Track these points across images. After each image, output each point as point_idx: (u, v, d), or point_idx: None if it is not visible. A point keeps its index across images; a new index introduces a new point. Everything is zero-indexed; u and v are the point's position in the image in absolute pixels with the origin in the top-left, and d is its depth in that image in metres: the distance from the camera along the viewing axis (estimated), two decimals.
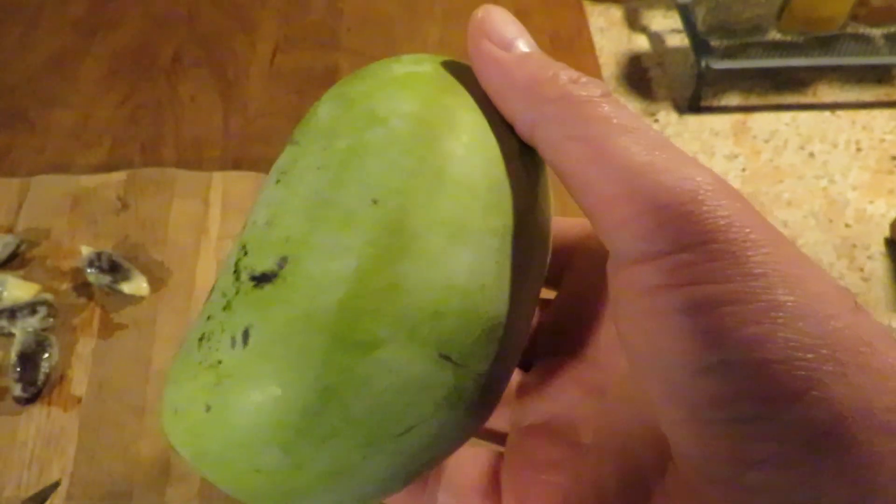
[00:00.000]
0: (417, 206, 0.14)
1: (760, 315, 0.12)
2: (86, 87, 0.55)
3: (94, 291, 0.40)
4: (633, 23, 0.69)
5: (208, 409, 0.13)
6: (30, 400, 0.36)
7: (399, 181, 0.14)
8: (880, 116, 0.76)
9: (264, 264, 0.14)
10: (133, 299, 0.39)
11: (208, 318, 0.14)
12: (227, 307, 0.14)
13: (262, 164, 0.50)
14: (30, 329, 0.37)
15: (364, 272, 0.13)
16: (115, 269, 0.39)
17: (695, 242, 0.12)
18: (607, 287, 0.14)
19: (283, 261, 0.13)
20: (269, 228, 0.14)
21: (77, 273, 0.40)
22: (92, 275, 0.39)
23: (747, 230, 0.12)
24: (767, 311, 0.12)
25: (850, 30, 0.74)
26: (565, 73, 0.14)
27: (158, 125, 0.53)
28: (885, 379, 0.12)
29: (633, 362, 0.14)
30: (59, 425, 0.35)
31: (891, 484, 0.11)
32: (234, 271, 0.14)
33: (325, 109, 0.15)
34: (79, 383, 0.37)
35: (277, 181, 0.15)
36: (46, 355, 0.37)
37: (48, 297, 0.39)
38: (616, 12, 0.68)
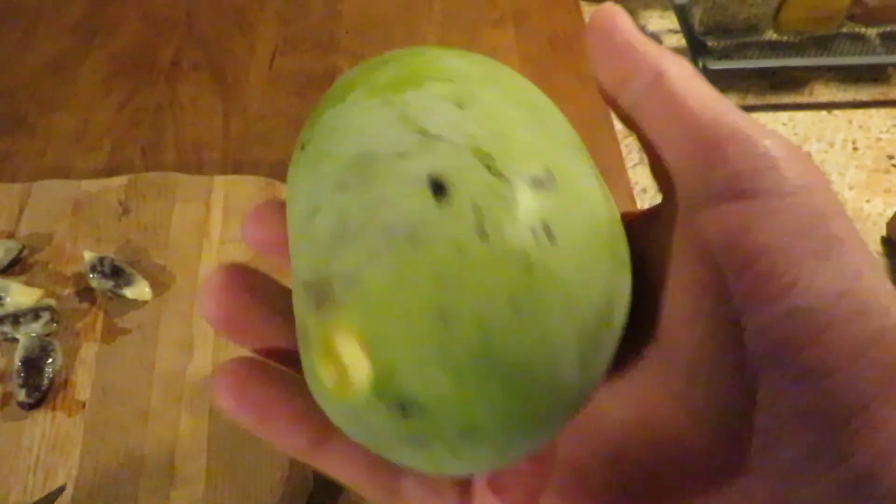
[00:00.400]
0: (568, 155, 0.15)
1: (837, 275, 0.13)
2: (85, 91, 0.55)
3: (97, 296, 0.40)
4: None
5: (517, 309, 0.12)
6: (34, 405, 0.36)
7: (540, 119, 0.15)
8: (877, 115, 0.76)
9: (534, 170, 0.13)
10: (136, 304, 0.40)
11: (477, 208, 0.12)
12: (508, 202, 0.13)
13: (262, 167, 0.50)
14: (33, 334, 0.38)
15: (608, 197, 0.14)
16: (117, 274, 0.39)
17: (786, 192, 0.13)
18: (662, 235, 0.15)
19: (549, 173, 0.13)
20: (507, 142, 0.13)
21: (79, 278, 0.41)
22: (94, 280, 0.39)
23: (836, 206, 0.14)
24: (842, 272, 0.13)
25: (846, 29, 0.74)
26: None
27: (158, 128, 0.53)
28: None
29: (693, 306, 0.14)
30: (64, 430, 0.36)
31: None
32: (492, 171, 0.13)
33: (454, 61, 0.15)
34: (83, 388, 0.37)
35: (458, 104, 0.14)
36: (50, 360, 0.37)
37: (51, 302, 0.39)
38: None
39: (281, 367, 0.16)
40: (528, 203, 0.13)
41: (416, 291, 0.12)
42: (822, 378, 0.13)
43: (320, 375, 0.13)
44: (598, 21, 0.16)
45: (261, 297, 0.16)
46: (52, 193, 0.45)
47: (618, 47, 0.16)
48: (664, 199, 0.16)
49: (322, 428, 0.16)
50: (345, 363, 0.12)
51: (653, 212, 0.17)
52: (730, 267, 0.13)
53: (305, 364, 0.14)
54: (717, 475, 0.14)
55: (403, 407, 0.12)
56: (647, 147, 0.16)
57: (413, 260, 0.12)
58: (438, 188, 0.12)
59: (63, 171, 0.49)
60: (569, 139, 0.15)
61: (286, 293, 0.16)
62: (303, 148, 0.15)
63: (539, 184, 0.13)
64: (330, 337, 0.13)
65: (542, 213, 0.13)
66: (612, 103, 0.16)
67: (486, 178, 0.13)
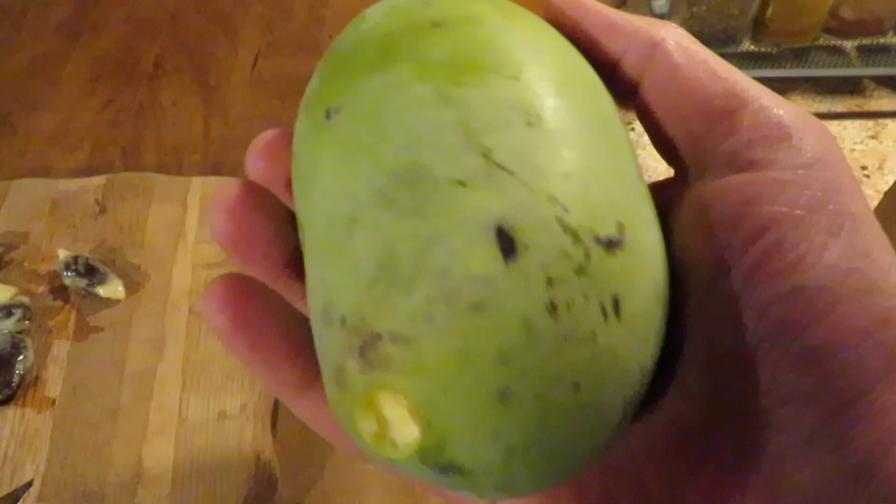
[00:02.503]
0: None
1: (846, 253, 0.12)
2: (68, 91, 0.56)
3: (71, 294, 0.40)
4: None
5: (577, 389, 0.12)
6: (4, 401, 0.36)
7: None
8: (851, 127, 0.77)
9: (606, 229, 0.12)
10: (109, 302, 0.40)
11: (550, 280, 0.11)
12: (580, 272, 0.12)
13: (242, 169, 0.51)
14: (5, 331, 0.38)
15: (658, 226, 0.14)
16: (91, 273, 0.40)
17: (799, 164, 0.13)
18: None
19: (621, 227, 0.12)
20: (580, 184, 0.12)
21: (54, 276, 0.41)
22: (68, 278, 0.40)
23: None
24: (852, 250, 0.12)
25: (822, 41, 0.76)
26: None
27: (139, 130, 0.54)
28: None
29: (706, 275, 0.14)
30: (33, 426, 0.36)
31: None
32: (566, 229, 0.12)
33: (513, 39, 0.13)
34: (53, 385, 0.37)
35: (528, 122, 0.12)
36: (21, 357, 0.37)
37: (24, 299, 0.39)
38: None
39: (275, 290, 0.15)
40: (600, 275, 0.12)
41: (478, 369, 0.11)
42: (826, 360, 0.12)
43: (358, 425, 0.12)
44: (563, 8, 0.15)
45: (270, 213, 0.15)
46: (29, 192, 0.45)
47: (601, 28, 0.15)
48: (675, 174, 0.15)
49: (312, 371, 0.14)
50: (390, 423, 0.12)
51: (666, 184, 0.16)
52: (733, 241, 0.13)
53: (328, 384, 0.13)
54: (713, 458, 0.13)
55: (446, 469, 0.12)
56: (650, 122, 0.15)
57: (477, 333, 0.11)
58: (507, 245, 0.11)
59: (43, 171, 0.50)
60: (630, 156, 0.14)
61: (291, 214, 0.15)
62: (328, 116, 0.13)
63: (611, 245, 0.12)
64: (376, 393, 0.12)
65: (612, 285, 0.12)
66: (608, 84, 0.15)
67: (559, 237, 0.11)
